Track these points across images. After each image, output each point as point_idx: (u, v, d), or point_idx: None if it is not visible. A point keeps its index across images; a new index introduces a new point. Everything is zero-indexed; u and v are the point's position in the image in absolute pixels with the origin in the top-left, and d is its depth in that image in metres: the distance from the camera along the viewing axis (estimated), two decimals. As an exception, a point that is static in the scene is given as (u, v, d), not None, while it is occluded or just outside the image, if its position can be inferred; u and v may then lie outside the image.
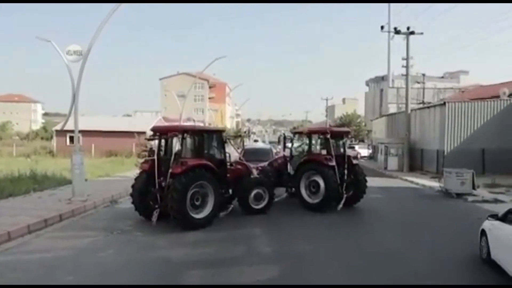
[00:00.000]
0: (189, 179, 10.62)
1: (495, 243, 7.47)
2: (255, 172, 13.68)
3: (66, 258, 8.34)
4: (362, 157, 40.01)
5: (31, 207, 12.53)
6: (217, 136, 12.76)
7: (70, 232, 10.59)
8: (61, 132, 37.33)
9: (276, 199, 13.86)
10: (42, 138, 63.87)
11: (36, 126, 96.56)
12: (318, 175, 13.72)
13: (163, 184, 11.15)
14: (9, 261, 8.11)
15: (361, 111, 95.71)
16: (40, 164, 20.76)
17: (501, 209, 14.26)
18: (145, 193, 11.48)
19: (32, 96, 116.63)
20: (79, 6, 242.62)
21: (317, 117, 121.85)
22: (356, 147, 44.24)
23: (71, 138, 35.89)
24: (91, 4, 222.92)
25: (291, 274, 7.57)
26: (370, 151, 46.09)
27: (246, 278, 7.33)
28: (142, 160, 12.38)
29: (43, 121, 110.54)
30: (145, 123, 40.12)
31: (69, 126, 17.40)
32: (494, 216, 7.92)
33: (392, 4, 52.96)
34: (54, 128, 44.02)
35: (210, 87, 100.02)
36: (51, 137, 46.96)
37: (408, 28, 28.63)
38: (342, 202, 13.87)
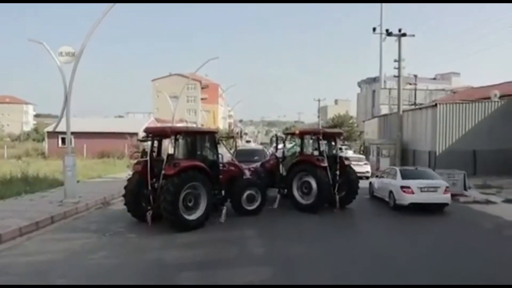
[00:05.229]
0: (182, 181, 10.62)
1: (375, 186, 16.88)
2: (247, 173, 13.71)
3: (58, 261, 8.28)
4: None
5: (22, 209, 12.45)
6: (209, 137, 12.76)
7: (62, 235, 10.52)
8: (53, 134, 37.03)
9: (271, 207, 13.92)
10: (33, 140, 63.34)
11: (28, 128, 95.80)
12: (310, 176, 13.76)
13: (155, 185, 11.13)
14: (0, 264, 8.03)
15: (353, 112, 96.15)
16: (32, 166, 20.52)
17: (492, 211, 14.47)
18: (137, 194, 11.46)
19: (23, 98, 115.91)
20: (71, 7, 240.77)
21: (309, 118, 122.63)
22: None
23: (63, 140, 35.73)
24: (84, 5, 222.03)
25: (283, 275, 7.60)
26: (351, 152, 45.58)
27: (239, 279, 7.35)
28: (134, 161, 12.33)
29: (35, 122, 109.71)
30: (137, 124, 40.03)
31: (61, 127, 17.32)
32: (376, 176, 17.97)
33: (384, 6, 53.13)
34: (45, 130, 43.65)
35: (202, 88, 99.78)
36: (43, 139, 46.57)
37: (400, 30, 28.54)
38: (338, 204, 13.93)
